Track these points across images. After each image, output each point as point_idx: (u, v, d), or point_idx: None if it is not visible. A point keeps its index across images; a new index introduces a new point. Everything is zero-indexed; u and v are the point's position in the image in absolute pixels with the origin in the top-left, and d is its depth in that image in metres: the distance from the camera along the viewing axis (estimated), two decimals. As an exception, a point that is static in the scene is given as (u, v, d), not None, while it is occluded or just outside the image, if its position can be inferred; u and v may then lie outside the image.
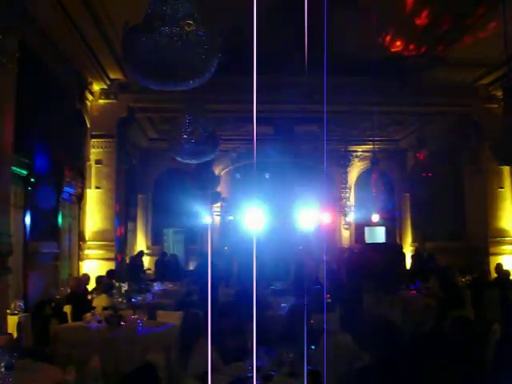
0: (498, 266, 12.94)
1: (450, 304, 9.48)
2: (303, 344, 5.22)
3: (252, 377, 4.61)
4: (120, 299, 9.14)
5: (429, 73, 13.19)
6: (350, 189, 21.34)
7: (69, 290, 9.90)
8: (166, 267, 16.43)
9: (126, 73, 12.31)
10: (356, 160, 21.35)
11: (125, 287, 11.88)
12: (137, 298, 10.32)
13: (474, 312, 10.27)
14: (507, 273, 12.28)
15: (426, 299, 6.00)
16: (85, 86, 12.96)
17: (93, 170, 13.63)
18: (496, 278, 12.39)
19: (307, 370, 4.53)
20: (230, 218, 21.41)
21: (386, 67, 12.88)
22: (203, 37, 4.08)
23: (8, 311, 8.03)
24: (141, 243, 19.74)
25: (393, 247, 17.94)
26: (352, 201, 21.31)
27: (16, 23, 8.35)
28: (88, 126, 13.51)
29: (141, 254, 16.97)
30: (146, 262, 17.70)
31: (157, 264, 17.03)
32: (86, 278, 10.90)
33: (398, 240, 20.93)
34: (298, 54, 11.90)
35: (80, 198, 12.86)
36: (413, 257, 17.09)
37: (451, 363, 4.29)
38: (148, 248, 19.56)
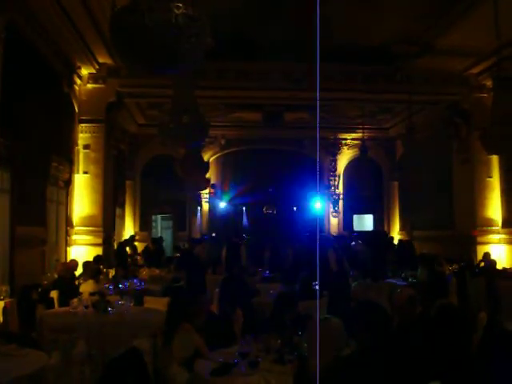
0: (485, 255, 13.04)
1: (435, 292, 9.57)
2: (291, 330, 5.23)
3: (238, 363, 4.61)
4: (107, 285, 9.11)
5: (419, 61, 13.18)
6: (338, 176, 21.37)
7: (56, 276, 9.86)
8: (154, 253, 16.40)
9: (115, 56, 12.23)
10: (345, 148, 21.38)
11: (112, 273, 11.87)
12: (124, 284, 10.30)
13: (460, 300, 10.36)
14: (494, 262, 12.38)
15: (408, 289, 6.07)
16: (73, 70, 12.84)
17: (81, 155, 13.52)
18: (483, 267, 12.48)
19: (294, 356, 4.54)
20: (221, 204, 21.38)
21: (376, 55, 12.88)
22: (193, 20, 4.03)
23: (-6, 296, 8.01)
24: (129, 229, 19.68)
25: (379, 235, 17.99)
26: (341, 188, 21.34)
27: (3, 4, 8.24)
28: (76, 110, 13.40)
29: (129, 239, 16.93)
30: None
31: (144, 250, 16.99)
32: (74, 263, 10.82)
33: (386, 228, 21.01)
34: (289, 42, 11.94)
35: (68, 183, 12.76)
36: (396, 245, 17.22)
37: (437, 351, 4.30)
38: (136, 234, 19.50)
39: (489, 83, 13.14)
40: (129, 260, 15.07)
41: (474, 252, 14.13)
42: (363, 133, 18.88)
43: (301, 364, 4.10)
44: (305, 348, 4.39)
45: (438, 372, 3.93)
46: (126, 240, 16.99)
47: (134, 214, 20.22)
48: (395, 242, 17.63)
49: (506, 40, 10.07)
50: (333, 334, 3.84)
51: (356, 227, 21.47)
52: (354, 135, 20.86)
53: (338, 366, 3.67)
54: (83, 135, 13.60)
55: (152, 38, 4.03)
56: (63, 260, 11.98)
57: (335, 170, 21.41)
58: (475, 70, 13.89)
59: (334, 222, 21.43)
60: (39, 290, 8.96)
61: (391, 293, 5.76)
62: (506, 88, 9.03)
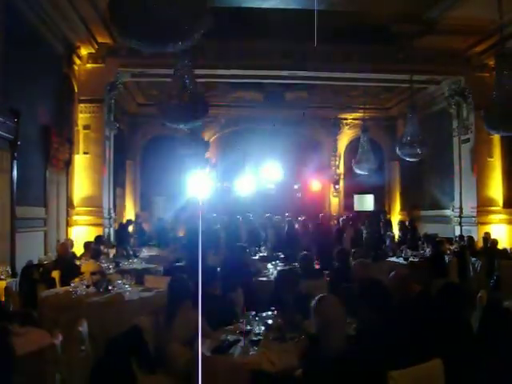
0: (486, 235, 13.05)
1: (435, 272, 9.61)
2: (291, 309, 5.24)
3: (239, 341, 4.63)
4: (108, 264, 9.13)
5: (420, 40, 13.08)
6: (339, 156, 21.32)
7: (55, 255, 9.89)
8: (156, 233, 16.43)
9: (114, 35, 12.13)
10: (346, 128, 21.31)
11: (113, 252, 11.90)
12: (124, 264, 10.34)
13: (461, 280, 10.39)
14: (495, 241, 12.38)
15: (402, 270, 6.10)
16: (72, 50, 12.76)
17: (81, 136, 13.49)
18: (483, 247, 12.50)
19: (304, 334, 4.55)
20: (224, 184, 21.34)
21: (377, 34, 12.77)
22: (192, -4, 3.99)
23: (-5, 276, 8.03)
24: (129, 209, 19.69)
25: (378, 215, 17.99)
26: (341, 168, 21.31)
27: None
28: (76, 90, 13.33)
29: (130, 221, 16.94)
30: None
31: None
32: (69, 243, 10.85)
33: (386, 208, 21.01)
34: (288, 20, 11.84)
35: (68, 164, 12.73)
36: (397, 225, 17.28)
37: (438, 329, 4.31)
38: (136, 214, 19.51)
39: (491, 62, 13.06)
40: (131, 240, 15.11)
41: (475, 232, 14.13)
42: (364, 112, 18.79)
43: (307, 343, 4.11)
44: (307, 326, 4.40)
45: (439, 349, 3.94)
46: (128, 220, 17.00)
47: (135, 194, 20.23)
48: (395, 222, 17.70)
49: (508, 18, 9.97)
50: (335, 313, 3.84)
51: (356, 207, 21.48)
52: (354, 115, 20.78)
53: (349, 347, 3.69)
54: (83, 115, 13.54)
55: (151, 15, 3.98)
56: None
57: (336, 149, 21.36)
58: (478, 49, 13.79)
59: (335, 202, 21.43)
60: (40, 269, 8.99)
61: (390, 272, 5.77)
62: (509, 67, 8.94)
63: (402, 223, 17.07)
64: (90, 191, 13.39)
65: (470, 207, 14.85)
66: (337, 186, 21.19)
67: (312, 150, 21.29)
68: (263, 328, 4.83)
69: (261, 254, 12.47)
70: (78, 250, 11.14)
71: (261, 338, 4.61)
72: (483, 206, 14.58)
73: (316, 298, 3.99)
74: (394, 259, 11.89)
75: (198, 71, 10.14)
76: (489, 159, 14.69)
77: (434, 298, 5.13)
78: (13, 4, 9.01)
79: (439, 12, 11.76)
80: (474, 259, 11.51)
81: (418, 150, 12.69)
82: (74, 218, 13.07)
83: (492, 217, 14.55)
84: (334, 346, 3.70)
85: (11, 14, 8.78)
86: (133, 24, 4.20)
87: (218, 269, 7.15)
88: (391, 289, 4.79)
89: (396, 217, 20.50)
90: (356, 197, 21.89)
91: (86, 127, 13.55)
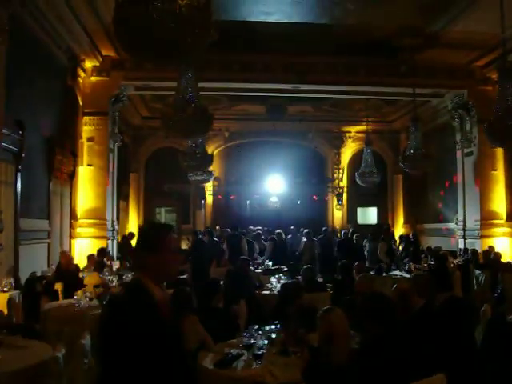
0: (490, 249, 13.02)
1: (439, 286, 9.57)
2: (294, 323, 5.23)
3: (242, 355, 4.62)
4: (111, 277, 9.12)
5: (423, 54, 13.13)
6: (343, 169, 21.35)
7: (55, 268, 9.92)
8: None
9: (118, 49, 12.22)
10: (349, 141, 21.36)
11: (116, 265, 11.89)
12: (128, 276, 10.31)
13: (465, 293, 10.36)
14: (498, 254, 12.35)
15: (404, 284, 6.09)
16: (77, 63, 12.81)
17: (85, 148, 13.51)
18: (487, 260, 12.47)
19: (307, 347, 4.54)
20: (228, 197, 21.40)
21: (380, 48, 12.83)
22: (196, 11, 4.01)
23: (-2, 288, 8.02)
24: (133, 222, 19.71)
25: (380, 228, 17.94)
26: (345, 181, 21.33)
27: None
28: (80, 103, 13.39)
29: (133, 234, 16.95)
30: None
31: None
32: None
33: (390, 221, 20.98)
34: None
35: (72, 176, 12.76)
36: (399, 238, 17.22)
37: (442, 343, 4.30)
38: (139, 227, 19.53)
39: (494, 76, 13.08)
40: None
41: (479, 245, 14.09)
42: (367, 126, 18.85)
43: (310, 356, 4.10)
44: (310, 340, 4.40)
45: (442, 364, 3.92)
46: (131, 232, 17.01)
47: (138, 207, 20.26)
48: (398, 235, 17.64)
49: (511, 32, 10.02)
50: (341, 325, 3.85)
51: (360, 220, 21.48)
52: (358, 128, 20.85)
53: (352, 360, 3.69)
54: (87, 128, 13.58)
55: (156, 30, 4.01)
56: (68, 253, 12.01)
57: (339, 162, 21.40)
58: (480, 63, 13.84)
59: (338, 215, 21.43)
60: (44, 282, 8.99)
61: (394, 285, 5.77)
62: (511, 80, 8.97)
63: (403, 237, 16.97)
64: (94, 203, 13.39)
65: (473, 220, 14.82)
66: (340, 199, 21.19)
67: (315, 163, 21.34)
68: (266, 342, 4.82)
69: (264, 267, 12.51)
70: (81, 262, 11.15)
71: (264, 351, 4.60)
72: (486, 219, 14.55)
73: (323, 309, 4.00)
74: (397, 272, 11.85)
75: (201, 84, 10.17)
76: (492, 172, 14.68)
77: (437, 312, 5.12)
78: (17, 16, 9.06)
79: (442, 26, 11.81)
80: (477, 272, 11.48)
81: (421, 164, 12.71)
82: (78, 230, 13.07)
83: (495, 230, 14.51)
84: (336, 359, 3.70)
85: (16, 26, 8.83)
86: (137, 39, 4.23)
87: (221, 282, 7.13)
88: (394, 302, 4.78)
89: (399, 230, 20.48)
90: (359, 210, 21.90)
91: (89, 139, 13.58)
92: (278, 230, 15.42)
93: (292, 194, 21.21)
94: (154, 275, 2.90)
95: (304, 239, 15.55)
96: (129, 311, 2.65)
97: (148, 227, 3.03)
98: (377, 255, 13.35)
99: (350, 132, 21.30)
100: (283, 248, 14.54)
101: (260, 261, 13.37)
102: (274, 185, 21.45)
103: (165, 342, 2.73)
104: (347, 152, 21.47)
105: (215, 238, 14.62)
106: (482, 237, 14.38)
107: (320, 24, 11.75)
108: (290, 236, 16.00)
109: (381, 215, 21.80)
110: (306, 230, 15.59)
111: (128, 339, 2.57)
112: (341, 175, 21.34)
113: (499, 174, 14.69)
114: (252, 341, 4.70)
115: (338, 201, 21.21)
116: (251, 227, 16.34)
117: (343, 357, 3.71)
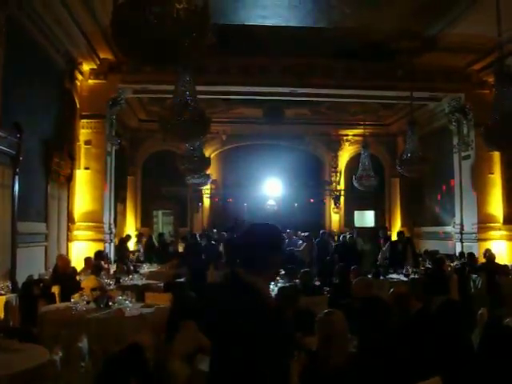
0: (487, 252, 13.02)
1: (436, 289, 9.58)
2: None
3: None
4: (108, 280, 9.12)
5: (420, 58, 13.15)
6: (340, 172, 21.37)
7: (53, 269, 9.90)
8: (156, 249, 16.48)
9: (116, 52, 12.23)
10: (347, 144, 21.38)
11: (113, 268, 11.88)
12: (125, 279, 10.31)
13: (461, 297, 10.36)
14: (492, 256, 12.36)
15: (401, 287, 6.09)
16: (74, 66, 12.81)
17: (82, 151, 13.51)
18: (484, 263, 12.47)
19: (304, 351, 4.54)
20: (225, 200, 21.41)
21: (377, 51, 12.86)
22: (194, 15, 4.02)
23: (-5, 291, 8.02)
24: (130, 225, 19.70)
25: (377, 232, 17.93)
26: (342, 185, 21.34)
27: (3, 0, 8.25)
28: (77, 106, 13.38)
29: (129, 236, 16.95)
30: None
31: (146, 246, 17.04)
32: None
33: (387, 224, 20.98)
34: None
35: (69, 179, 12.75)
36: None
37: (438, 346, 4.30)
38: (137, 230, 19.54)
39: (491, 79, 13.10)
40: (131, 256, 15.11)
41: (476, 248, 14.10)
42: (365, 129, 18.86)
43: (308, 360, 4.10)
44: (307, 343, 4.39)
45: (439, 367, 3.93)
46: (127, 235, 17.01)
47: (136, 210, 20.26)
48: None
49: (508, 36, 10.04)
50: (341, 327, 3.85)
51: (357, 223, 21.49)
52: (355, 131, 20.88)
53: (350, 364, 3.69)
54: (84, 131, 13.58)
55: (153, 33, 4.02)
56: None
57: (336, 166, 21.41)
58: (477, 67, 13.87)
59: (335, 219, 21.43)
60: (41, 285, 8.97)
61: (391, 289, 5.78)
62: (508, 84, 9.00)
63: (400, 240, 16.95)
64: (91, 206, 13.38)
65: (470, 224, 14.83)
66: (337, 202, 21.21)
67: (313, 166, 21.36)
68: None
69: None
70: (78, 265, 11.13)
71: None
72: (484, 222, 14.56)
73: (323, 312, 4.01)
74: (394, 276, 11.86)
75: (199, 87, 10.17)
76: (489, 175, 14.70)
77: (434, 315, 5.13)
78: (15, 18, 9.06)
79: (439, 29, 11.84)
80: (474, 276, 11.48)
81: (418, 167, 12.73)
82: (75, 233, 13.06)
83: (492, 233, 14.52)
84: (334, 363, 3.70)
85: (13, 29, 8.83)
86: (135, 42, 4.23)
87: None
88: (391, 306, 4.79)
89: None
90: (356, 213, 21.92)
91: (87, 143, 13.58)
92: None
93: (289, 197, 21.21)
94: (271, 275, 2.99)
95: (300, 242, 15.59)
96: (255, 321, 2.64)
97: (269, 227, 3.02)
98: (373, 258, 13.37)
99: (347, 135, 21.33)
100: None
101: None
102: (271, 188, 21.46)
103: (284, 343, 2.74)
104: (344, 155, 21.49)
105: (213, 242, 14.65)
106: (480, 240, 14.39)
107: (317, 28, 11.78)
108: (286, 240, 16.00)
109: (378, 218, 21.82)
110: (306, 234, 15.62)
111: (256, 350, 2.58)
112: (338, 178, 21.36)
113: (496, 178, 14.72)
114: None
115: (335, 204, 21.22)
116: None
117: (341, 360, 3.72)
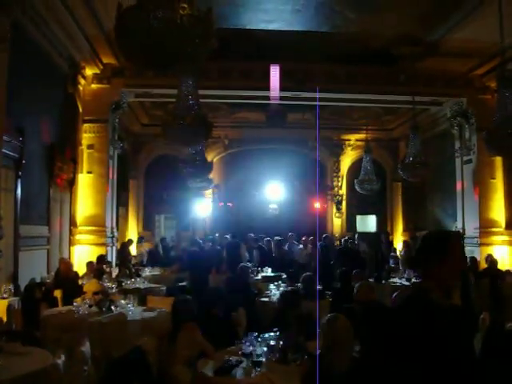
0: (489, 257, 13.00)
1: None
2: (293, 330, 5.23)
3: (241, 362, 4.62)
4: (110, 284, 9.13)
5: (422, 62, 13.17)
6: (342, 177, 21.37)
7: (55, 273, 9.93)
8: (158, 253, 16.48)
9: (119, 56, 12.27)
10: (349, 149, 21.39)
11: (115, 272, 11.90)
12: (127, 283, 10.33)
13: (463, 301, 10.34)
14: (494, 261, 12.35)
15: (406, 291, 6.04)
16: (77, 70, 12.85)
17: (85, 155, 13.52)
18: (486, 268, 12.46)
19: (306, 355, 4.54)
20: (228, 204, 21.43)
21: (379, 56, 12.88)
22: (198, 21, 4.04)
23: (-2, 295, 8.04)
24: (132, 229, 19.71)
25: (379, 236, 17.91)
26: (344, 189, 21.35)
27: (8, 3, 8.26)
28: (80, 110, 13.42)
29: (130, 241, 16.96)
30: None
31: (150, 250, 17.05)
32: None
33: (389, 229, 20.97)
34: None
35: (71, 183, 12.77)
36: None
37: (440, 352, 4.29)
38: (139, 234, 19.56)
39: (493, 84, 13.11)
40: (133, 259, 15.13)
41: (478, 253, 14.09)
42: (367, 133, 18.86)
43: (311, 364, 4.11)
44: (310, 348, 4.40)
45: (440, 372, 3.92)
46: (129, 239, 17.02)
47: (138, 214, 20.27)
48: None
49: (510, 41, 10.05)
50: (345, 332, 3.86)
51: (359, 228, 21.48)
52: (357, 136, 20.89)
53: (353, 369, 3.70)
54: (87, 135, 13.60)
55: (157, 38, 4.04)
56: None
57: (339, 170, 21.43)
58: (479, 72, 13.88)
59: (337, 223, 21.43)
60: (43, 288, 8.99)
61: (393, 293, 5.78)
62: (510, 89, 9.01)
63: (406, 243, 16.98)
64: (93, 210, 13.39)
65: (472, 228, 14.82)
66: (339, 207, 21.21)
67: (315, 171, 21.35)
68: (265, 349, 4.83)
69: (263, 275, 12.50)
70: (81, 269, 11.15)
71: (263, 359, 4.61)
72: (486, 227, 14.54)
73: (328, 316, 4.02)
74: (396, 280, 11.85)
75: (201, 92, 10.19)
76: (491, 180, 14.68)
77: (436, 320, 5.11)
78: (19, 23, 9.10)
79: (441, 35, 11.85)
80: (477, 280, 11.46)
81: (420, 171, 12.74)
82: (77, 237, 13.07)
83: (494, 238, 14.50)
84: (337, 367, 3.70)
85: (17, 34, 8.87)
86: (138, 47, 4.25)
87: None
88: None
89: (399, 238, 20.47)
90: (358, 217, 21.91)
91: (89, 147, 13.59)
92: (267, 238, 15.52)
93: (291, 202, 21.21)
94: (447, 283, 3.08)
95: (301, 246, 15.60)
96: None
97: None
98: (375, 262, 13.37)
99: (349, 140, 21.33)
100: (270, 256, 14.65)
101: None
102: (273, 192, 21.48)
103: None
104: (346, 160, 21.50)
105: (218, 247, 14.67)
106: (481, 245, 14.36)
107: (320, 32, 11.80)
108: (287, 244, 16.01)
109: (380, 223, 21.80)
110: (306, 238, 15.63)
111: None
112: (340, 183, 21.37)
113: (498, 183, 14.70)
114: (251, 348, 4.71)
115: (337, 208, 21.23)
116: (251, 234, 16.33)
117: (344, 365, 3.72)
